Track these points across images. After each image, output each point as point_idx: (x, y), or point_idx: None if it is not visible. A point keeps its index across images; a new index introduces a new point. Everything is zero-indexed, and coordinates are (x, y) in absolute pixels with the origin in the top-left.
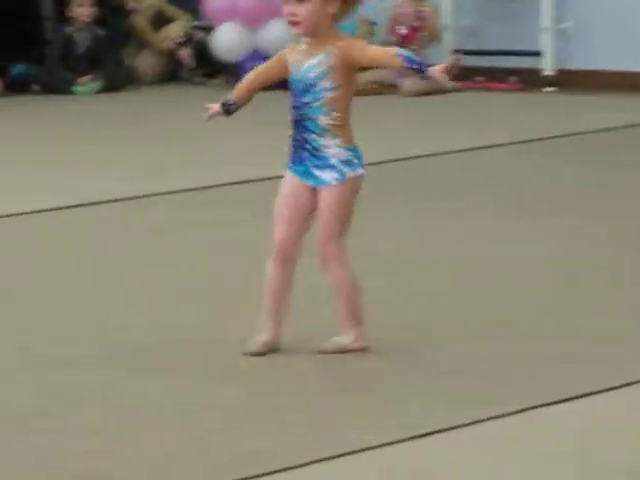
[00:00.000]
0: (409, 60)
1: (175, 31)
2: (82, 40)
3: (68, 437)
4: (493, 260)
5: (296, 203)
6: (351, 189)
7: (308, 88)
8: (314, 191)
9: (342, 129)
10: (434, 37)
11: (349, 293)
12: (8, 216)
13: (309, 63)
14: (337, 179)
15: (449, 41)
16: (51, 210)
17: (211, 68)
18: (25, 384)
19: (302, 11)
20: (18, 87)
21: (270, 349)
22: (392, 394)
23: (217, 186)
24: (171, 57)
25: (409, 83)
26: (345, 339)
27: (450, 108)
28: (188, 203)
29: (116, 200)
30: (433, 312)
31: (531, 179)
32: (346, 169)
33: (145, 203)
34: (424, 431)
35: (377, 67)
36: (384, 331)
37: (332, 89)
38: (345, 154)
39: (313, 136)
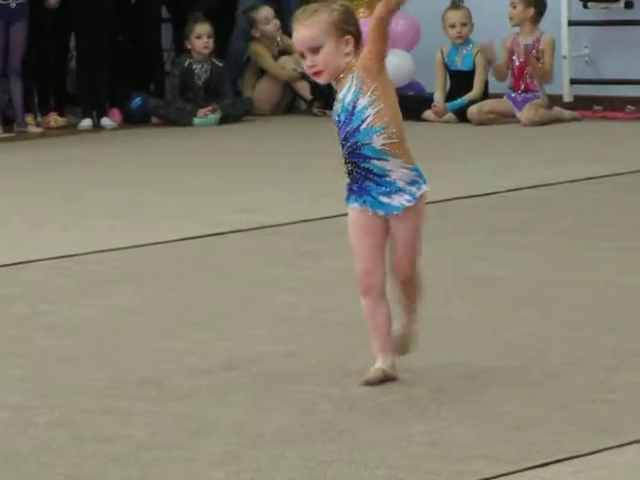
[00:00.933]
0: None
1: (291, 62)
2: (200, 72)
3: (196, 466)
4: (614, 287)
5: (372, 235)
6: (422, 207)
7: (351, 114)
8: (386, 219)
9: (400, 146)
10: (547, 71)
11: (387, 322)
12: (126, 248)
13: (342, 93)
14: (409, 201)
15: (566, 71)
16: (176, 241)
17: (328, 100)
18: (155, 413)
19: (319, 60)
20: (137, 119)
21: (386, 378)
22: (513, 423)
23: (337, 216)
24: (289, 88)
25: (527, 112)
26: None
27: (568, 137)
28: (311, 234)
29: (240, 230)
30: (550, 340)
31: None
32: (414, 189)
33: (268, 233)
34: (547, 460)
35: (380, 38)
36: (499, 359)
37: (372, 104)
38: (410, 175)
39: (374, 162)
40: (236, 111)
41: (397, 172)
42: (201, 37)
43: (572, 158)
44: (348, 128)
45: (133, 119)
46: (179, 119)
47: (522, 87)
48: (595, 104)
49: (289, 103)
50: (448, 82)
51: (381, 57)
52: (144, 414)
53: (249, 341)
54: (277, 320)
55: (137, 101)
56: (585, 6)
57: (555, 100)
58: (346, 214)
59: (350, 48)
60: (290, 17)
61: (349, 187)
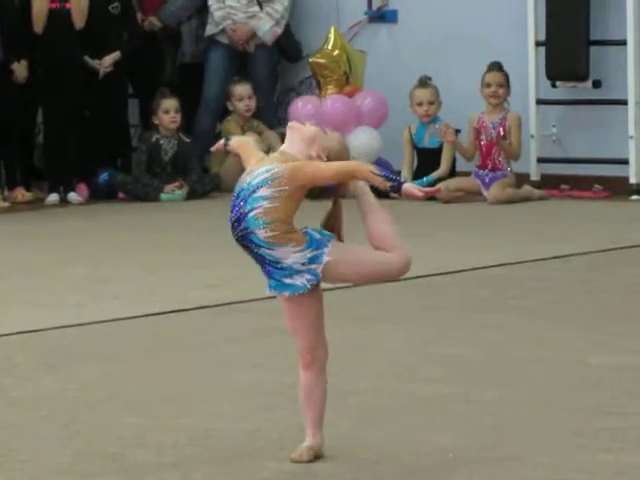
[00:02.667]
0: (381, 171)
1: (259, 141)
2: (167, 147)
3: None
4: (579, 366)
5: (302, 314)
6: (336, 269)
7: (248, 196)
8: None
9: (284, 236)
10: (515, 150)
11: (324, 396)
12: (91, 324)
13: (258, 170)
14: (311, 280)
15: (534, 150)
16: (141, 317)
17: None
18: None
19: None
20: (104, 194)
21: (316, 457)
22: None
23: None
24: None
25: (494, 191)
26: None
27: (535, 216)
28: (276, 310)
29: (205, 307)
30: (515, 418)
31: (616, 287)
32: (314, 266)
33: (231, 310)
34: None
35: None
36: (463, 437)
37: (270, 199)
38: (304, 255)
39: (264, 250)
40: (203, 187)
41: (289, 258)
42: (168, 112)
43: (539, 237)
44: (241, 210)
45: (100, 194)
46: (146, 195)
47: (489, 165)
48: (562, 183)
49: None
50: (415, 160)
51: (314, 184)
52: None
53: (213, 417)
54: (242, 396)
55: (104, 176)
56: (553, 85)
57: (523, 179)
58: None
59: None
60: (265, 102)
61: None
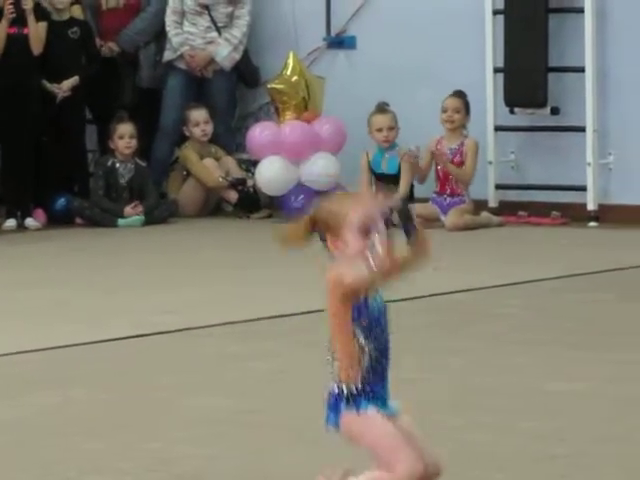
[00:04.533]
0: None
1: (218, 168)
2: (124, 171)
3: None
4: (537, 392)
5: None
6: None
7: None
8: None
9: None
10: (467, 175)
11: None
12: (49, 349)
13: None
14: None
15: (491, 176)
16: (100, 342)
17: (254, 203)
18: None
19: None
20: (61, 219)
21: None
22: None
23: (261, 319)
24: (215, 191)
25: (452, 217)
26: None
27: (493, 242)
28: (235, 336)
29: (163, 332)
30: (473, 444)
31: (575, 313)
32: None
33: (189, 335)
34: None
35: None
36: None
37: None
38: None
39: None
40: (161, 213)
41: None
42: (123, 137)
43: (496, 263)
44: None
45: (57, 220)
46: (103, 220)
47: (448, 191)
48: (520, 209)
49: (215, 205)
50: (373, 185)
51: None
52: None
53: (171, 443)
54: (199, 422)
55: (61, 202)
56: (511, 111)
57: (480, 205)
58: (269, 317)
59: None
60: (223, 128)
61: (373, 386)
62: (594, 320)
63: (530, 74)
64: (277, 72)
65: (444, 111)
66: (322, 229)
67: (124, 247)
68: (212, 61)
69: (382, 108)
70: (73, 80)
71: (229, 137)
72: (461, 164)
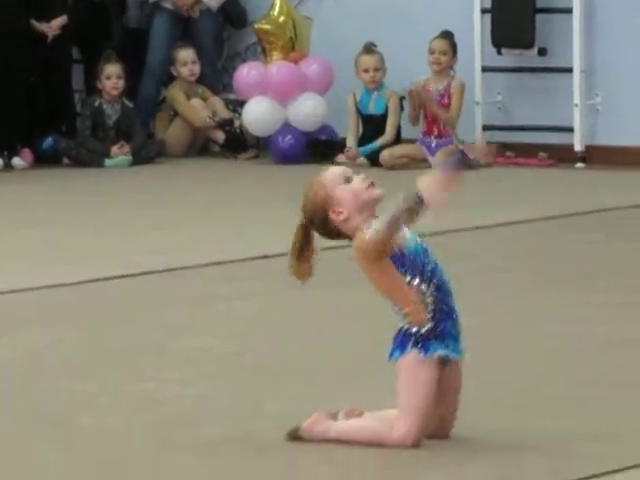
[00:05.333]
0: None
1: (205, 108)
2: (111, 112)
3: None
4: (535, 334)
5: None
6: None
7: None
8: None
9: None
10: (452, 116)
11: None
12: (38, 288)
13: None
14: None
15: (479, 117)
16: (88, 282)
17: (241, 144)
18: (66, 455)
19: None
20: (48, 159)
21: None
22: None
23: (248, 259)
24: (202, 131)
25: (440, 157)
26: None
27: (480, 183)
28: (222, 276)
29: (151, 272)
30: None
31: (562, 254)
32: None
33: (176, 275)
34: None
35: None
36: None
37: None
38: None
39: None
40: (148, 152)
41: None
42: (110, 78)
43: (484, 204)
44: (433, 257)
45: (44, 160)
46: (91, 160)
47: (435, 132)
48: (508, 150)
49: (202, 145)
50: (361, 126)
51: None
52: (51, 453)
53: (161, 383)
54: (189, 363)
55: (48, 142)
56: (499, 52)
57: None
58: (255, 257)
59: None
60: (210, 68)
61: (436, 332)
62: (582, 261)
63: (517, 15)
64: (264, 12)
65: (431, 53)
66: (317, 223)
67: (111, 187)
68: (198, 1)
69: (369, 49)
70: (62, 19)
71: (216, 77)
72: (449, 105)
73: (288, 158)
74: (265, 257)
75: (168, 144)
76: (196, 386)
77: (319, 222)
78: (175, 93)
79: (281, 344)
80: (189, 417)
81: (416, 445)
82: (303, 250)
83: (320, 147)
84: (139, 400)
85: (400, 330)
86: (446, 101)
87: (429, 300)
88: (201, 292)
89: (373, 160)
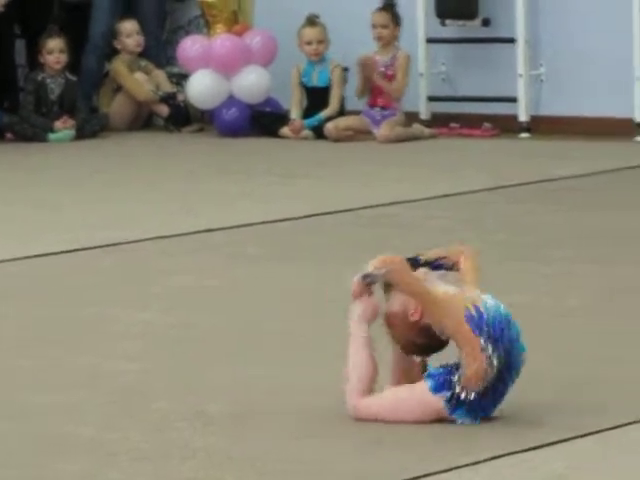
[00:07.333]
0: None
1: (149, 82)
2: (54, 86)
3: None
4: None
5: None
6: None
7: None
8: None
9: None
10: (398, 89)
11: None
12: None
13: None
14: None
15: (423, 88)
16: (31, 257)
17: (185, 117)
18: (10, 432)
19: None
20: None
21: None
22: None
23: (190, 233)
24: (145, 105)
25: (384, 129)
26: None
27: (425, 154)
28: (164, 251)
29: (93, 247)
30: None
31: (507, 224)
32: None
33: (121, 249)
34: None
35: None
36: None
37: None
38: None
39: None
40: (91, 127)
41: None
42: (53, 52)
43: (428, 175)
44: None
45: None
46: (34, 135)
47: (380, 104)
48: (452, 121)
49: (146, 119)
50: (304, 99)
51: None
52: None
53: (103, 358)
54: (131, 337)
55: None
56: (442, 23)
57: (412, 117)
58: (199, 231)
59: None
60: (153, 41)
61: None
62: (526, 231)
63: None
64: None
65: (373, 27)
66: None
67: (55, 162)
68: None
69: (312, 21)
70: None
71: (159, 50)
72: (394, 77)
73: (232, 131)
74: (209, 231)
75: (112, 118)
76: (140, 360)
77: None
78: (118, 67)
79: (224, 318)
80: (134, 391)
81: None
82: None
83: (264, 120)
84: (81, 375)
85: (446, 376)
86: (391, 73)
87: (489, 371)
88: (144, 266)
89: (318, 132)
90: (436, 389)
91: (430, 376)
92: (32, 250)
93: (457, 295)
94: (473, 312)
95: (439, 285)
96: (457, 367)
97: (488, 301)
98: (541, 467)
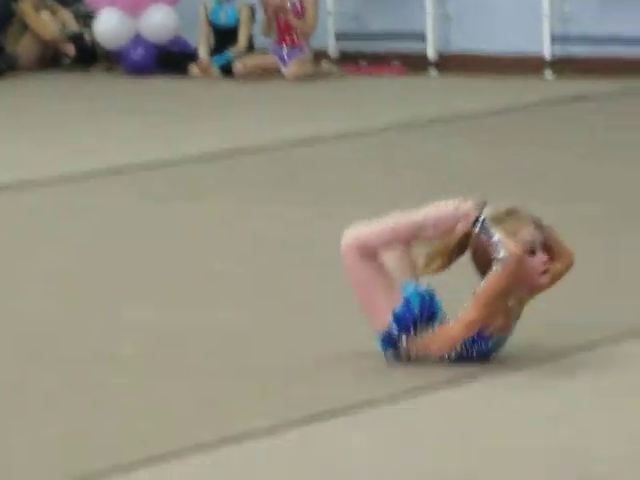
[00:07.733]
0: None
1: (55, 20)
2: None
3: None
4: None
5: None
6: None
7: None
8: None
9: None
10: (309, 26)
11: None
12: None
13: None
14: None
15: (331, 26)
16: None
17: (92, 56)
18: None
19: None
20: None
21: None
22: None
23: (99, 174)
24: (53, 44)
25: (292, 67)
26: None
27: (334, 93)
28: (69, 190)
29: (3, 187)
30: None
31: (418, 162)
32: None
33: (29, 190)
34: None
35: None
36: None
37: None
38: None
39: None
40: None
41: None
42: None
43: (336, 114)
44: None
45: None
46: None
47: (288, 42)
48: (361, 59)
49: (53, 58)
50: (212, 37)
51: None
52: None
53: (15, 301)
54: (39, 281)
55: None
56: None
57: (321, 55)
58: (108, 171)
59: None
60: None
61: None
62: (436, 168)
63: None
64: None
65: None
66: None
67: None
68: None
69: None
70: None
71: None
72: (303, 14)
73: (140, 70)
74: (118, 173)
75: (19, 58)
76: (50, 304)
77: (484, 266)
78: (25, 7)
79: (133, 257)
80: (47, 335)
81: None
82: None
83: (172, 59)
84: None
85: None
86: (300, 10)
87: None
88: (54, 207)
89: (226, 71)
90: (383, 340)
91: (395, 316)
92: None
93: None
94: None
95: None
96: (430, 319)
97: None
98: None
